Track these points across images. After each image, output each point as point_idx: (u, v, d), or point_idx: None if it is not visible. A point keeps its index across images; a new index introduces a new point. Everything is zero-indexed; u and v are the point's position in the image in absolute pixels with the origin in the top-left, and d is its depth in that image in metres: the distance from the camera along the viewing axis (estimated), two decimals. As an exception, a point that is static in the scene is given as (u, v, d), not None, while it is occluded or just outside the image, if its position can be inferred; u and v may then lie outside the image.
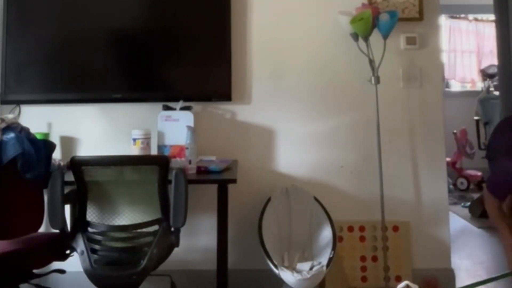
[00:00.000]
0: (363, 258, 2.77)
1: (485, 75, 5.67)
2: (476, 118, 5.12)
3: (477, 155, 5.46)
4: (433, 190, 2.82)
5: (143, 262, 1.96)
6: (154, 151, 2.60)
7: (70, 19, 2.84)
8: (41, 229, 2.18)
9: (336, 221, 2.65)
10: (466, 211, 4.65)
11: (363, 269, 2.77)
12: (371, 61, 2.69)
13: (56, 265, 2.28)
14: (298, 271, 2.30)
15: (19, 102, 2.84)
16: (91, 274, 1.96)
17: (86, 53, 2.83)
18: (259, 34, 2.88)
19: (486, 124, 4.58)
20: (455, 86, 6.70)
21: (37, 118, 2.85)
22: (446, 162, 2.88)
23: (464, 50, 6.75)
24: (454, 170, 5.55)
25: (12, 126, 2.03)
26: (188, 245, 2.76)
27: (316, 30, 2.87)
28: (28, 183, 2.03)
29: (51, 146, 2.18)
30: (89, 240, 2.01)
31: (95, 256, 1.98)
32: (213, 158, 2.62)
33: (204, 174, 2.37)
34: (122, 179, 2.09)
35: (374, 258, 2.77)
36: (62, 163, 2.46)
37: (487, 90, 5.11)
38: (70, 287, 2.67)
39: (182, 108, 2.66)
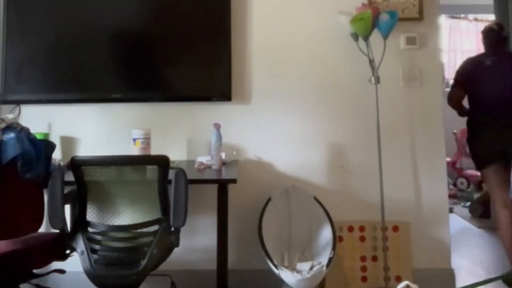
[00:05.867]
0: (363, 258, 2.78)
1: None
2: (476, 118, 5.11)
3: (477, 155, 5.44)
4: (433, 190, 2.82)
5: (143, 262, 1.96)
6: (154, 151, 2.60)
7: (70, 19, 2.84)
8: (41, 229, 2.18)
9: (336, 221, 2.65)
10: (466, 211, 4.65)
11: (363, 269, 2.77)
12: (371, 61, 2.69)
13: (56, 265, 2.28)
14: (298, 271, 2.30)
15: (19, 102, 2.84)
16: (91, 274, 1.96)
17: (86, 53, 2.83)
18: (259, 34, 2.88)
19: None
20: (455, 86, 6.70)
21: (37, 118, 2.85)
22: (446, 162, 2.88)
23: (464, 50, 6.75)
24: (454, 170, 5.55)
25: (12, 126, 2.03)
26: (188, 245, 2.76)
27: (316, 30, 2.88)
28: (28, 183, 2.02)
29: (51, 146, 2.18)
30: (89, 240, 2.01)
31: (95, 256, 1.98)
32: (209, 158, 2.61)
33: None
34: (122, 179, 2.09)
35: (374, 258, 2.77)
36: (62, 163, 2.47)
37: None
38: (70, 287, 2.67)
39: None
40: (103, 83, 2.83)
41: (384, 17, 2.63)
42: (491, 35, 3.09)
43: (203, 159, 2.63)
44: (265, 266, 2.39)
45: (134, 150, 2.53)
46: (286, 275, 2.25)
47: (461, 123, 5.42)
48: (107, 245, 2.03)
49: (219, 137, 2.53)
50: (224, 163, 2.61)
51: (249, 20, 2.89)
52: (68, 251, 2.16)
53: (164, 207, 2.05)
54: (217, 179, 2.37)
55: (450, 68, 6.63)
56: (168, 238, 2.06)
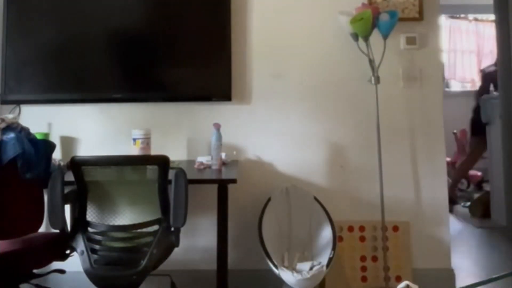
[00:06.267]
0: (363, 258, 2.77)
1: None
2: (476, 118, 5.12)
3: (477, 155, 5.45)
4: (433, 190, 2.82)
5: (143, 262, 1.96)
6: (154, 151, 2.60)
7: (70, 19, 2.84)
8: (41, 229, 2.18)
9: (336, 221, 2.65)
10: (466, 211, 4.65)
11: (363, 269, 2.77)
12: (371, 61, 2.69)
13: (56, 265, 2.28)
14: (298, 271, 2.31)
15: (19, 102, 2.84)
16: (91, 274, 1.96)
17: (86, 53, 2.83)
18: (259, 34, 2.88)
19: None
20: (455, 86, 6.70)
21: (37, 118, 2.85)
22: (446, 162, 2.88)
23: (464, 50, 6.75)
24: (454, 170, 5.54)
25: (12, 126, 2.03)
26: (188, 245, 2.76)
27: (316, 30, 2.87)
28: (28, 183, 2.02)
29: (51, 146, 2.18)
30: (89, 240, 2.01)
31: (95, 256, 1.98)
32: (209, 158, 2.61)
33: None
34: (122, 179, 2.09)
35: (374, 258, 2.77)
36: (62, 163, 2.46)
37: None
38: (70, 287, 2.67)
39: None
40: (103, 83, 2.83)
41: (384, 17, 2.63)
42: None
43: (203, 159, 2.63)
44: (265, 266, 2.39)
45: (134, 150, 2.53)
46: (286, 275, 2.25)
47: (461, 123, 5.47)
48: (107, 245, 2.03)
49: (219, 137, 2.53)
50: (224, 163, 2.61)
51: (249, 20, 2.89)
52: (68, 251, 2.16)
53: (164, 207, 2.05)
54: (217, 179, 2.37)
55: (450, 68, 6.63)
56: (168, 238, 2.06)
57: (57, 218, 2.00)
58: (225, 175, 2.43)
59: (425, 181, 2.82)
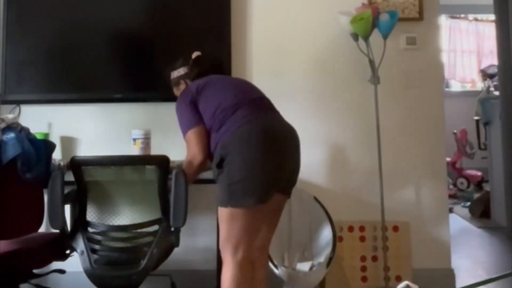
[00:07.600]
0: (363, 258, 2.77)
1: (485, 75, 5.67)
2: (476, 118, 5.13)
3: (477, 155, 5.47)
4: (433, 190, 2.82)
5: (143, 262, 1.96)
6: (154, 151, 2.60)
7: (70, 19, 2.84)
8: (41, 229, 2.18)
9: (336, 221, 2.65)
10: (466, 211, 4.65)
11: (363, 269, 2.77)
12: (371, 61, 2.69)
13: (56, 265, 2.28)
14: (298, 271, 2.30)
15: (19, 102, 2.84)
16: (91, 274, 1.96)
17: (86, 53, 2.83)
18: (259, 34, 2.88)
19: (486, 124, 4.59)
20: (455, 86, 6.71)
21: (37, 118, 2.85)
22: (446, 162, 2.88)
23: (464, 50, 6.76)
24: (454, 170, 5.55)
25: (12, 126, 2.03)
26: (188, 245, 2.76)
27: (316, 30, 2.87)
28: (28, 183, 2.02)
29: (51, 146, 2.18)
30: (89, 240, 2.01)
31: (95, 256, 1.98)
32: None
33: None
34: (122, 179, 2.09)
35: (374, 258, 2.77)
36: (62, 163, 2.46)
37: (487, 90, 5.12)
38: (70, 287, 2.67)
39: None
40: (103, 83, 2.83)
41: (384, 17, 2.63)
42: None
43: (203, 159, 2.62)
44: (265, 266, 2.38)
45: (134, 150, 2.53)
46: (286, 275, 2.25)
47: (461, 123, 5.48)
48: (107, 245, 2.03)
49: None
50: (224, 163, 2.60)
51: (249, 20, 2.89)
52: (68, 251, 2.15)
53: (164, 207, 2.05)
54: (217, 179, 2.36)
55: (450, 68, 6.63)
56: (168, 238, 2.06)
57: (57, 218, 2.00)
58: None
59: (425, 181, 2.82)
